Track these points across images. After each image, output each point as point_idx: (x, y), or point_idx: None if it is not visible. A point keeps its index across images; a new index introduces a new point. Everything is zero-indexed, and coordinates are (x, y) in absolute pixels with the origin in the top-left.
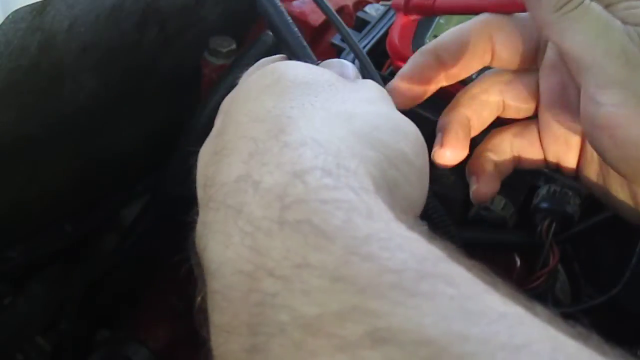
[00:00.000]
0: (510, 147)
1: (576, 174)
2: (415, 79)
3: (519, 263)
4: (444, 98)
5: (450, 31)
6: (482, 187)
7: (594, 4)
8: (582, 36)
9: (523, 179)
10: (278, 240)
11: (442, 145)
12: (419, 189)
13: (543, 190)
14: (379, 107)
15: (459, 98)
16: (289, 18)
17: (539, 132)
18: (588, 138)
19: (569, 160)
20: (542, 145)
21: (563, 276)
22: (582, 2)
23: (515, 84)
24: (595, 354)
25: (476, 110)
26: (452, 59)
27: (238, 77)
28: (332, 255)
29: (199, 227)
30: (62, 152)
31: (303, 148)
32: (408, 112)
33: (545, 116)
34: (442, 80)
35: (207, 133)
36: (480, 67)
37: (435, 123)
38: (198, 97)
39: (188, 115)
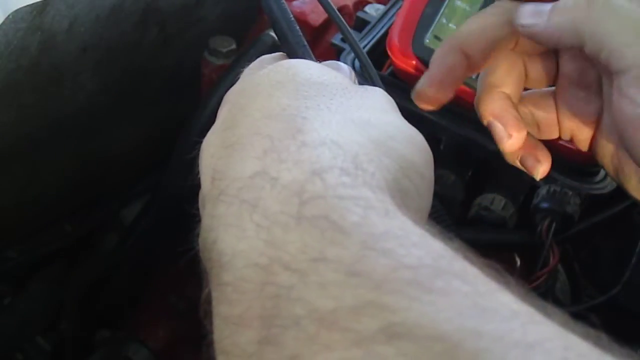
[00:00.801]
0: (532, 118)
1: (589, 150)
2: (446, 82)
3: (519, 263)
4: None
5: (471, 24)
6: (546, 162)
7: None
8: (621, 37)
9: (523, 179)
10: (295, 235)
11: (510, 135)
12: (426, 200)
13: (543, 190)
14: (391, 116)
15: (490, 78)
16: (291, 16)
17: (555, 104)
18: (619, 133)
19: (583, 136)
20: (557, 117)
21: (563, 276)
22: None
23: (535, 57)
24: (605, 353)
25: (513, 85)
26: (479, 54)
27: (239, 73)
28: (348, 250)
29: (207, 220)
30: (62, 152)
31: (322, 148)
32: (404, 111)
33: (563, 92)
34: (468, 74)
35: (207, 133)
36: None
37: (434, 123)
38: (198, 97)
39: (188, 115)
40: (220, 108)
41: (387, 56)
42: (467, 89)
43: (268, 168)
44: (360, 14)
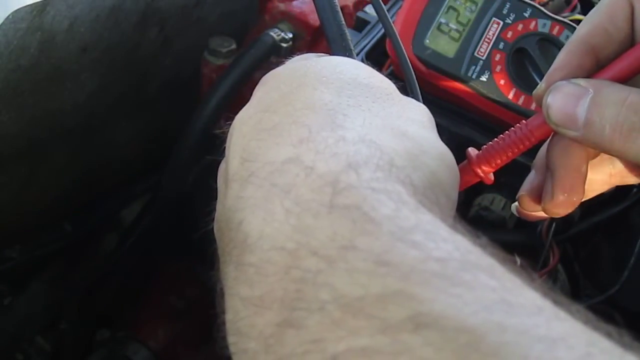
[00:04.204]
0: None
1: None
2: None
3: (519, 263)
4: (449, 100)
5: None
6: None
7: None
8: None
9: (523, 179)
10: (325, 222)
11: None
12: (448, 219)
13: None
14: (428, 132)
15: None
16: (342, 18)
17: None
18: None
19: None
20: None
21: (563, 276)
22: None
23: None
24: (628, 351)
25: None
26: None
27: (239, 73)
28: (378, 240)
29: (233, 200)
30: (62, 152)
31: (360, 145)
32: None
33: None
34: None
35: (207, 133)
36: None
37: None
38: (198, 97)
39: (188, 115)
40: (257, 87)
41: (387, 56)
42: (467, 89)
43: (302, 156)
44: (360, 14)
